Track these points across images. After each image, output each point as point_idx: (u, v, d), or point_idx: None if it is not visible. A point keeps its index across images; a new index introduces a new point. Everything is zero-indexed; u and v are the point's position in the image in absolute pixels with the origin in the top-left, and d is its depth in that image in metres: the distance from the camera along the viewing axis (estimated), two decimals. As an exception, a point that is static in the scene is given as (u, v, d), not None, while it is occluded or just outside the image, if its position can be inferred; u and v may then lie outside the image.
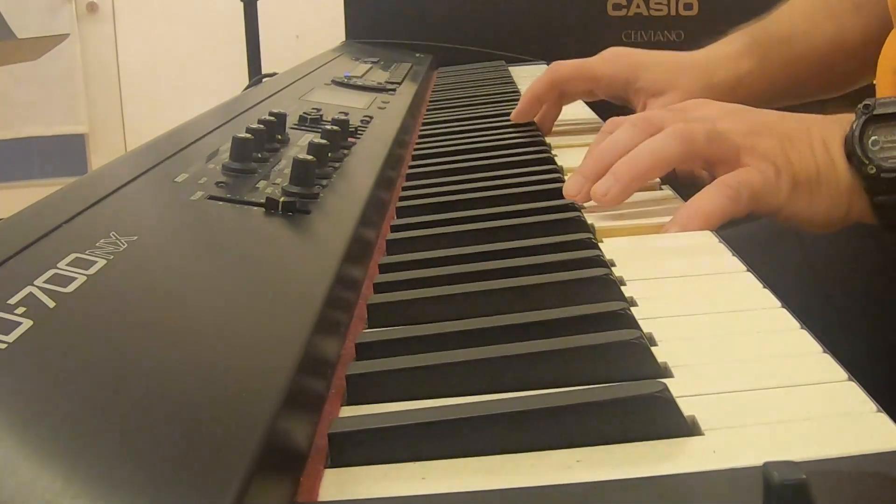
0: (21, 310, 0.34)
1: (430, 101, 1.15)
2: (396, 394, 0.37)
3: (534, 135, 0.86)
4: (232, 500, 0.25)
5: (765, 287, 0.46)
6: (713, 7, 1.48)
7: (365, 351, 0.41)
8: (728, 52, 0.89)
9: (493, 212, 0.60)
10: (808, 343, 0.39)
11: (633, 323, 0.41)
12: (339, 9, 1.57)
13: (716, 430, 0.33)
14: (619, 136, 0.63)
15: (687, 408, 0.33)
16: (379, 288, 0.48)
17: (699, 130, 0.60)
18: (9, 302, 0.34)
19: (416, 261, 0.52)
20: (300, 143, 0.68)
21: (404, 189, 0.70)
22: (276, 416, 0.30)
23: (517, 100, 1.02)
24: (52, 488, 0.24)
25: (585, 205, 0.63)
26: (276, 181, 0.56)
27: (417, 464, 0.32)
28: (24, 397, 0.29)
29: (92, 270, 0.38)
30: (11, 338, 0.32)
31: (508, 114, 0.93)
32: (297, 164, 0.55)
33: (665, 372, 0.37)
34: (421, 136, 0.91)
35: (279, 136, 0.67)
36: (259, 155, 0.61)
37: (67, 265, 0.38)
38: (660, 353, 0.38)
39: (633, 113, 0.75)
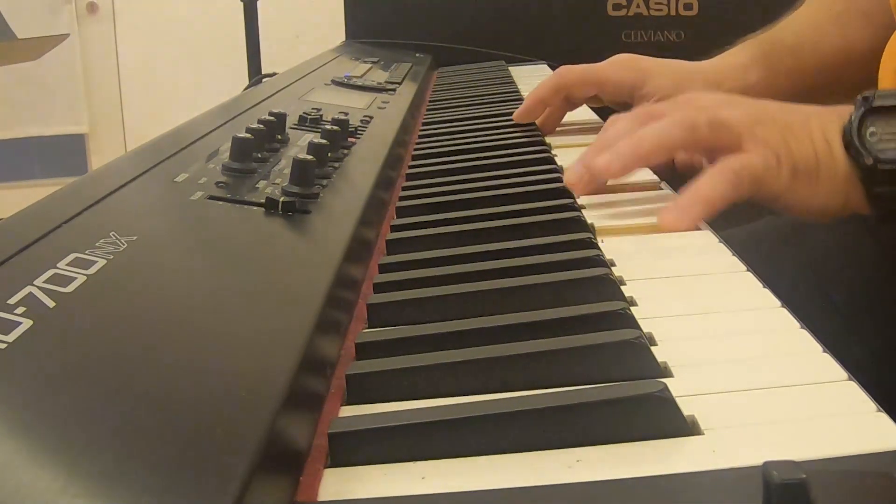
0: (21, 310, 0.34)
1: (430, 101, 1.15)
2: (396, 394, 0.37)
3: (534, 135, 0.86)
4: (232, 500, 0.25)
5: (765, 287, 0.46)
6: (713, 7, 1.48)
7: (365, 351, 0.41)
8: (735, 62, 0.89)
9: (493, 212, 0.60)
10: (808, 343, 0.40)
11: (633, 323, 0.41)
12: (339, 9, 1.57)
13: (716, 429, 0.33)
14: (621, 126, 0.64)
15: (687, 408, 0.33)
16: (379, 288, 0.48)
17: (701, 118, 0.61)
18: (9, 302, 0.34)
19: (416, 261, 0.52)
20: (300, 143, 0.68)
21: (404, 189, 0.70)
22: (276, 416, 0.30)
23: (517, 100, 1.02)
24: (52, 488, 0.24)
25: (585, 205, 0.63)
26: (276, 181, 0.56)
27: (417, 464, 0.32)
28: (24, 397, 0.29)
29: (92, 270, 0.38)
30: (11, 338, 0.32)
31: (508, 114, 0.93)
32: (297, 164, 0.55)
33: (665, 372, 0.37)
34: (421, 136, 0.91)
35: (279, 136, 0.67)
36: (259, 155, 0.61)
37: (67, 265, 0.38)
38: (660, 353, 0.38)
39: None
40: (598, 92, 0.93)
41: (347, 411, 0.36)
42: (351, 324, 0.45)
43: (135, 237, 0.43)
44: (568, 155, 0.78)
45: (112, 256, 0.40)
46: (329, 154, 0.63)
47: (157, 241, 0.45)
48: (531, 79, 1.18)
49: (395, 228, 0.59)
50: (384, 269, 0.52)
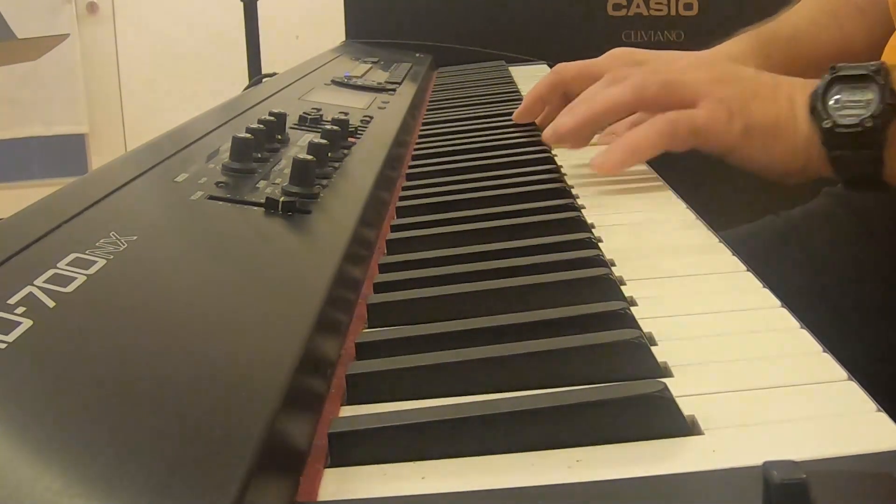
0: (21, 310, 0.34)
1: (430, 101, 1.15)
2: (396, 394, 0.37)
3: (534, 135, 0.86)
4: (232, 500, 0.25)
5: (765, 287, 0.46)
6: (713, 7, 1.48)
7: (365, 351, 0.41)
8: (733, 51, 0.89)
9: (493, 212, 0.60)
10: (808, 343, 0.39)
11: (633, 323, 0.41)
12: (339, 9, 1.57)
13: (716, 429, 0.33)
14: (591, 89, 0.72)
15: (687, 407, 0.33)
16: (379, 288, 0.48)
17: (653, 81, 0.67)
18: (9, 302, 0.34)
19: (416, 261, 0.52)
20: (300, 143, 0.68)
21: (404, 189, 0.70)
22: (276, 416, 0.30)
23: (517, 100, 1.02)
24: (52, 488, 0.24)
25: (586, 204, 0.63)
26: (276, 181, 0.56)
27: (417, 464, 0.32)
28: (24, 397, 0.29)
29: (92, 270, 0.38)
30: (11, 338, 0.32)
31: (508, 114, 0.93)
32: (297, 163, 0.55)
33: (665, 372, 0.37)
34: (421, 136, 0.91)
35: (279, 136, 0.67)
36: (259, 155, 0.61)
37: (67, 265, 0.38)
38: (660, 353, 0.38)
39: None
40: None
41: (347, 411, 0.36)
42: (351, 324, 0.45)
43: (135, 237, 0.43)
44: (568, 155, 0.78)
45: (112, 256, 0.40)
46: (329, 154, 0.63)
47: (157, 241, 0.45)
48: (531, 79, 1.18)
49: (395, 228, 0.59)
50: (384, 269, 0.52)
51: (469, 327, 0.41)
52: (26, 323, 0.33)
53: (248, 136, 0.59)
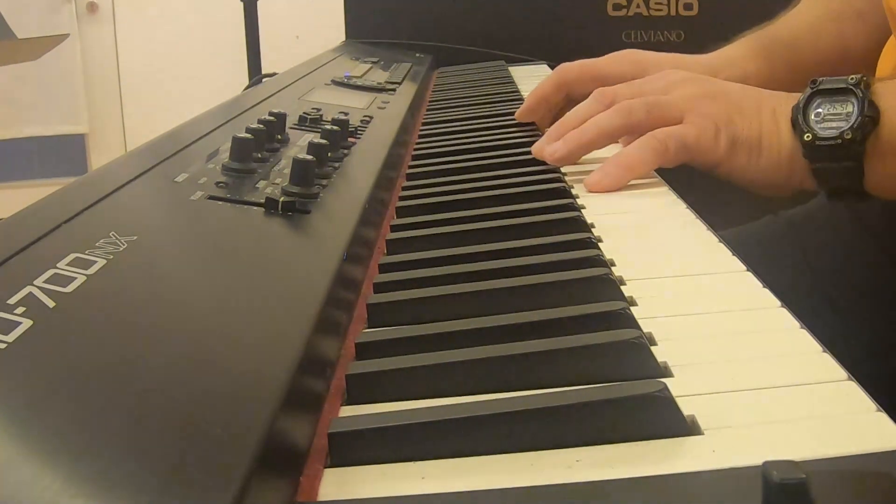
0: (21, 310, 0.34)
1: (430, 101, 1.15)
2: (396, 394, 0.37)
3: (534, 135, 0.86)
4: (232, 500, 0.25)
5: (765, 287, 0.46)
6: (713, 7, 1.48)
7: (365, 351, 0.41)
8: (734, 54, 0.89)
9: (493, 212, 0.60)
10: (808, 343, 0.39)
11: (633, 323, 0.41)
12: (339, 9, 1.57)
13: (715, 429, 0.33)
14: (580, 109, 0.73)
15: (687, 407, 0.33)
16: (379, 288, 0.48)
17: (639, 104, 0.69)
18: (9, 302, 0.34)
19: (416, 261, 0.52)
20: (300, 143, 0.68)
21: (404, 189, 0.70)
22: (276, 416, 0.30)
23: (517, 100, 1.02)
24: (52, 488, 0.24)
25: (586, 204, 0.63)
26: (275, 181, 0.56)
27: (417, 464, 0.32)
28: (24, 397, 0.29)
29: (92, 270, 0.38)
30: (11, 338, 0.32)
31: (508, 114, 0.93)
32: (297, 164, 0.55)
33: (665, 372, 0.37)
34: (421, 136, 0.91)
35: (279, 136, 0.67)
36: (259, 155, 0.61)
37: (67, 265, 0.38)
38: (660, 353, 0.38)
39: None
40: (598, 87, 0.93)
41: (347, 411, 0.36)
42: (351, 324, 0.45)
43: (135, 237, 0.43)
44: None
45: (112, 256, 0.40)
46: (329, 154, 0.63)
47: (157, 241, 0.45)
48: (531, 79, 1.18)
49: (395, 228, 0.59)
50: (384, 269, 0.52)
51: (469, 327, 0.41)
52: (26, 323, 0.33)
53: (248, 136, 0.59)
